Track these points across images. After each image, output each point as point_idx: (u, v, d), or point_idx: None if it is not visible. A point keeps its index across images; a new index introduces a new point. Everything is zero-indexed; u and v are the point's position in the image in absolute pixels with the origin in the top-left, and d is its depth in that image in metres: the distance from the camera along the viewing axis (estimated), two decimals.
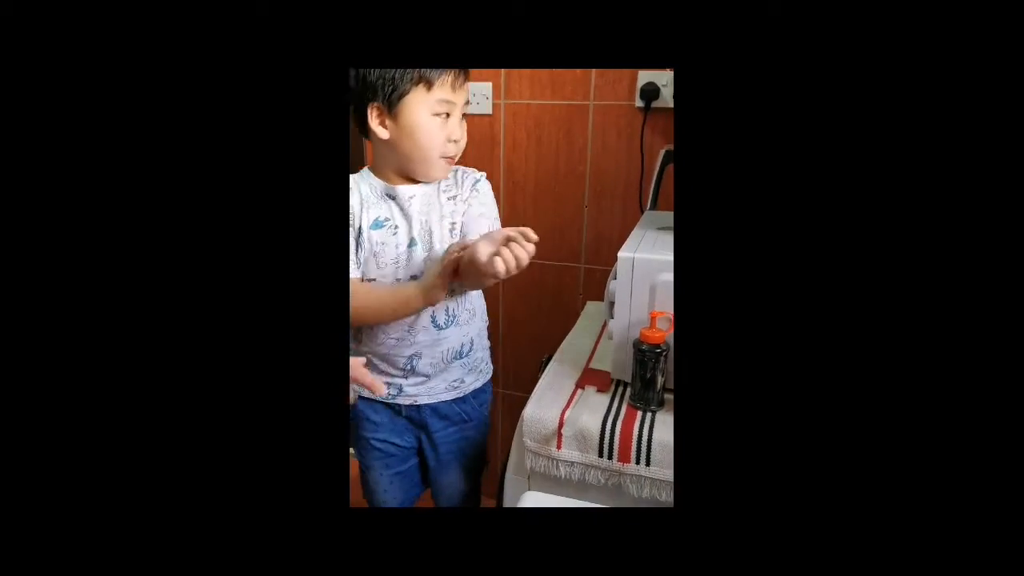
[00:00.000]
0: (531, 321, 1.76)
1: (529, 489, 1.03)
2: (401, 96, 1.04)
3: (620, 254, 1.02)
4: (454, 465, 1.30)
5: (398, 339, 1.15)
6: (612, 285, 1.06)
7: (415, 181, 1.13)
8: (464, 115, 1.09)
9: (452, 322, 1.19)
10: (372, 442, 1.24)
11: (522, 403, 1.07)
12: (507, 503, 1.14)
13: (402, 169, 1.12)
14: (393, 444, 1.25)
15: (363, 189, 1.12)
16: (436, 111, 1.05)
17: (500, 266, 0.89)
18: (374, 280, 1.12)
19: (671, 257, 1.01)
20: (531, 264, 1.63)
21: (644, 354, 0.99)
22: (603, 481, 1.00)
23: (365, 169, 1.16)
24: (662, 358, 0.99)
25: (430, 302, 1.08)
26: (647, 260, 1.00)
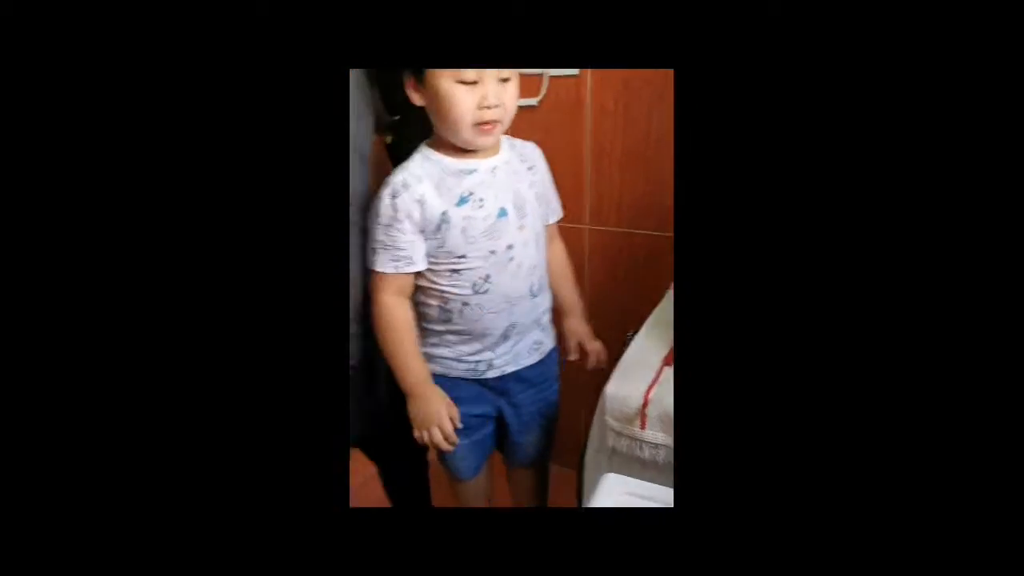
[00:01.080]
0: (617, 293, 1.70)
1: (610, 469, 0.99)
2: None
3: None
4: (534, 426, 1.30)
5: (497, 313, 1.13)
6: None
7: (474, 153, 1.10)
8: (505, 80, 1.02)
9: (541, 289, 1.19)
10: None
11: (605, 378, 1.03)
12: (587, 482, 1.11)
13: (450, 140, 1.09)
14: (473, 416, 1.24)
15: (434, 172, 1.09)
16: (460, 78, 1.00)
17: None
18: (464, 257, 1.10)
19: None
20: (619, 232, 1.59)
21: None
22: None
23: (426, 149, 1.12)
24: None
25: (410, 392, 1.14)
26: None
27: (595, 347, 1.35)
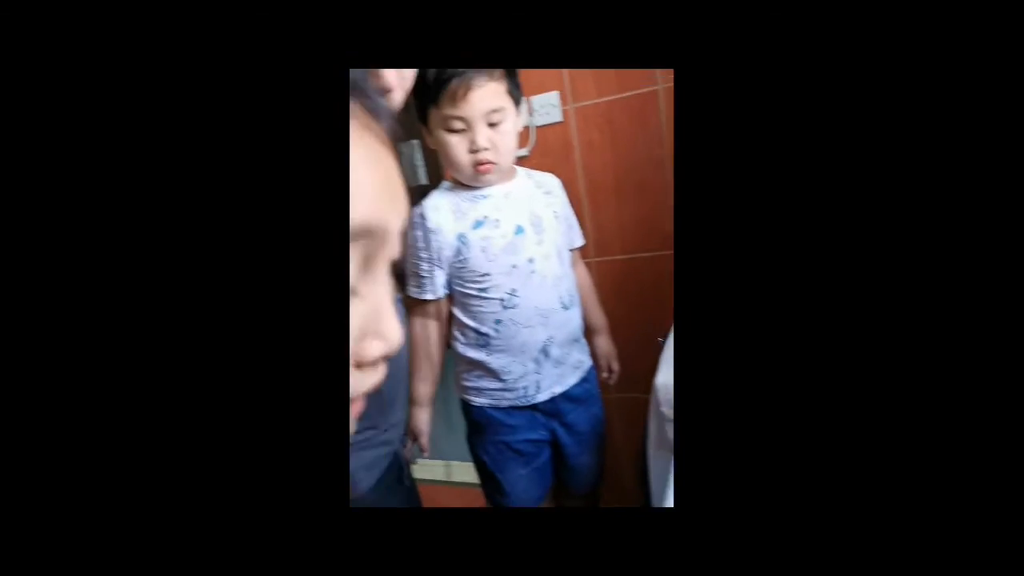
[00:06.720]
0: (627, 318, 1.74)
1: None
2: (424, 115, 1.13)
3: None
4: (589, 445, 1.33)
5: (531, 327, 1.18)
6: None
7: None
8: (494, 124, 1.11)
9: (572, 302, 1.24)
10: (512, 445, 1.26)
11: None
12: (655, 483, 1.12)
13: (459, 179, 1.18)
14: (531, 442, 1.26)
15: (454, 202, 1.17)
16: (449, 127, 1.10)
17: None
18: (488, 275, 1.15)
19: None
20: (618, 259, 1.65)
21: None
22: None
23: (445, 183, 1.22)
24: None
25: (416, 402, 1.25)
26: None
27: (618, 367, 1.42)
